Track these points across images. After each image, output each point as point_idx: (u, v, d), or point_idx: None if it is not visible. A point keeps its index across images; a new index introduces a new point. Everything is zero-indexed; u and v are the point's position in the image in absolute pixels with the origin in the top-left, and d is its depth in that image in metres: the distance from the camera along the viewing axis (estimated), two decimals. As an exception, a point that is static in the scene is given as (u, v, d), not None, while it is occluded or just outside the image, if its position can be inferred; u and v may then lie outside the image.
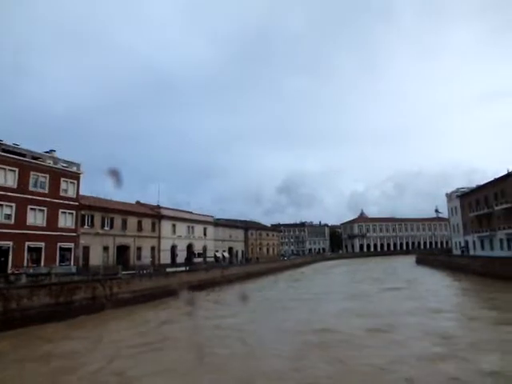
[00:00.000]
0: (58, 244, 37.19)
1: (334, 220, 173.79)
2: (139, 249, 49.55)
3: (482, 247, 59.87)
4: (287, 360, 15.13)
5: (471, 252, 63.99)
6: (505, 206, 50.19)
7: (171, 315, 26.81)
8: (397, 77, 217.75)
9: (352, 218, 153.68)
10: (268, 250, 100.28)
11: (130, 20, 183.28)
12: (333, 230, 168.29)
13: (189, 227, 62.11)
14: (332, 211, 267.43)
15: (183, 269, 46.04)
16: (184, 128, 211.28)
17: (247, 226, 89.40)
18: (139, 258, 48.88)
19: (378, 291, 36.58)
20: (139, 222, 50.36)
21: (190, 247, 61.51)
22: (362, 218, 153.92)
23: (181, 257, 57.16)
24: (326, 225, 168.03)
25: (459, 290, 39.48)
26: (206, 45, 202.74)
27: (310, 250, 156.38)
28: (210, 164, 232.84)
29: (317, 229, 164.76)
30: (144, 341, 18.86)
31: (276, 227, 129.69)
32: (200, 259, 61.94)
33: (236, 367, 14.44)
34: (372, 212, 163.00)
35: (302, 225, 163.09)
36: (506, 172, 52.70)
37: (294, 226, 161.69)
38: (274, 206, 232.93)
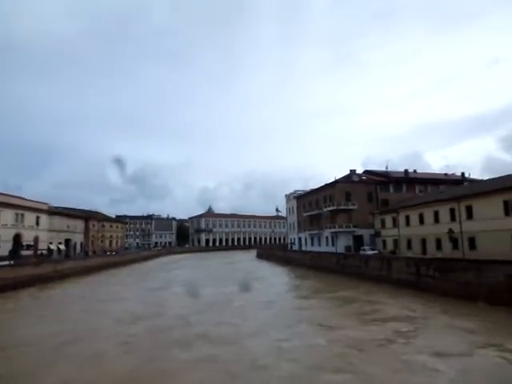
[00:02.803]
0: None
1: (183, 214, 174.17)
2: None
3: (312, 243, 67.82)
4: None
5: (303, 247, 71.84)
6: (331, 208, 57.82)
7: None
8: (258, 83, 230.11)
9: (200, 213, 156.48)
10: (111, 242, 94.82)
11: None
12: (180, 223, 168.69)
13: (17, 215, 54.34)
14: (183, 205, 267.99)
15: (7, 263, 40.05)
16: (28, 104, 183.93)
17: (88, 216, 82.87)
18: None
19: (217, 291, 33.48)
20: (-50, 207, 42.01)
21: (17, 238, 53.84)
22: (210, 213, 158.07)
23: (5, 249, 49.64)
24: (174, 218, 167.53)
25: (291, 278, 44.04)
26: (66, 18, 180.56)
27: (157, 243, 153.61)
28: (54, 147, 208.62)
29: (164, 222, 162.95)
30: None
31: (121, 219, 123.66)
32: (30, 252, 54.89)
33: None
34: (221, 208, 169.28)
35: (149, 217, 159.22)
36: (334, 179, 60.89)
37: (141, 218, 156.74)
38: (123, 197, 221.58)
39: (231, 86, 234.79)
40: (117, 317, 22.32)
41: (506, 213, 33.60)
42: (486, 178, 57.09)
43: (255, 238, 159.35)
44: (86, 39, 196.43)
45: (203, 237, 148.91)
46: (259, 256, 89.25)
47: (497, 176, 44.54)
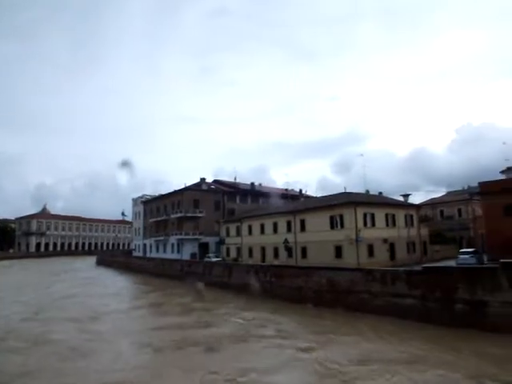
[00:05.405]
0: None
1: (10, 213, 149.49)
2: None
3: (158, 250, 66.34)
4: None
5: (148, 254, 69.69)
6: (179, 214, 57.69)
7: None
8: (118, 80, 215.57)
9: (32, 213, 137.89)
10: None
11: None
12: (5, 224, 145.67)
13: None
14: (10, 203, 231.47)
15: None
16: None
17: None
18: None
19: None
20: None
21: None
22: (44, 213, 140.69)
23: None
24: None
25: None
26: None
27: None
28: None
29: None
30: None
31: None
32: None
33: None
34: (60, 208, 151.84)
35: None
36: (184, 186, 61.09)
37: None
38: None
39: (87, 79, 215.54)
40: None
41: (332, 226, 38.60)
42: (319, 195, 64.78)
43: (96, 243, 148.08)
44: None
45: (34, 241, 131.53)
46: (99, 263, 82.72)
47: (327, 194, 51.07)
